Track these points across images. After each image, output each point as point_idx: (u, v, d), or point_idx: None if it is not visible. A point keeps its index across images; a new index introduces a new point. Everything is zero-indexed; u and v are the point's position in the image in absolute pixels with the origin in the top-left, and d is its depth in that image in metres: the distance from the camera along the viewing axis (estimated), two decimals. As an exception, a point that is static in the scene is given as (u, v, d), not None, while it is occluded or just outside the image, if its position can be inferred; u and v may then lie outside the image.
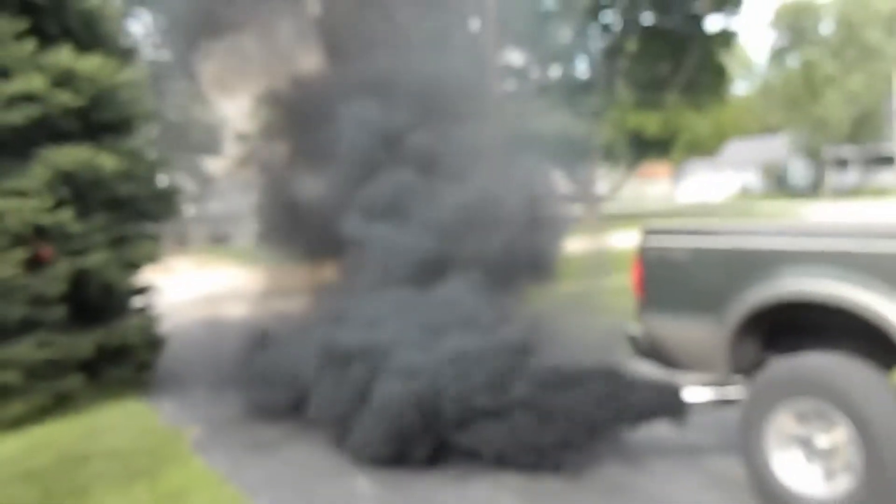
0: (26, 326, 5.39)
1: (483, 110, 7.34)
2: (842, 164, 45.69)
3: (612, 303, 5.93)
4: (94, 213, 5.89)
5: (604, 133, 27.43)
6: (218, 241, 28.43)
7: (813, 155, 43.37)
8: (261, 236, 7.37)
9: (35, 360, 5.34)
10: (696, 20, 28.89)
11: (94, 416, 5.58)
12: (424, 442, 4.14)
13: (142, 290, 6.84)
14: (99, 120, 6.10)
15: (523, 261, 5.70)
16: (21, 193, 5.38)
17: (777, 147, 48.18)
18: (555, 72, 29.39)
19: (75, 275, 5.64)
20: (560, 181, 8.27)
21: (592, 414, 3.91)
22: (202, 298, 6.62)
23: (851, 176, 45.90)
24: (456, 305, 4.89)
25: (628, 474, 3.94)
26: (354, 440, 4.29)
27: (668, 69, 29.87)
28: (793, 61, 41.37)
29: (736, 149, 49.74)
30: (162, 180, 7.27)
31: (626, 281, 4.45)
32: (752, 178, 52.86)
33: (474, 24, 9.84)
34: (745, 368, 3.65)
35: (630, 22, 29.48)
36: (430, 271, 5.38)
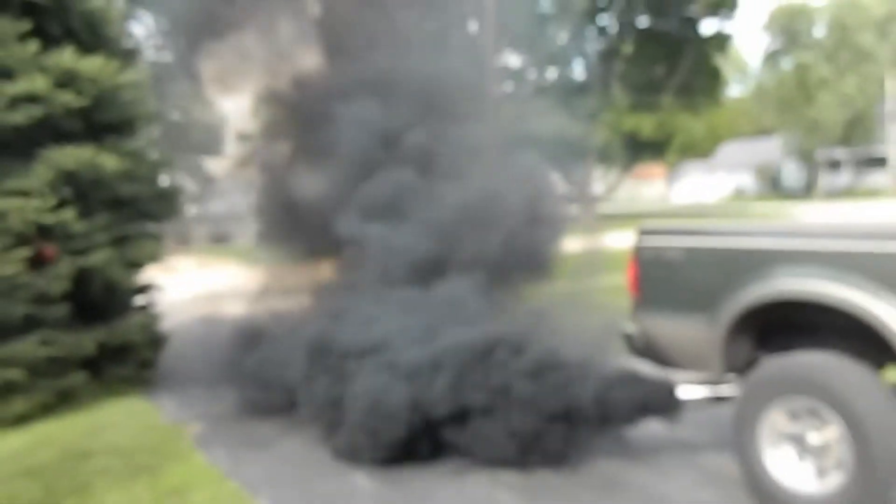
0: (29, 324, 5.38)
1: (481, 111, 7.35)
2: (834, 165, 45.78)
3: (608, 301, 5.94)
4: (97, 213, 5.89)
5: (600, 135, 27.44)
6: (219, 241, 28.41)
7: (806, 157, 43.45)
8: (261, 235, 7.37)
9: (38, 357, 5.33)
10: (692, 23, 28.92)
11: (96, 413, 5.58)
12: (416, 439, 4.13)
13: (144, 289, 6.84)
14: (101, 120, 6.09)
15: (521, 259, 5.70)
16: (24, 193, 5.37)
17: (771, 149, 48.28)
18: (552, 74, 29.42)
19: (78, 273, 5.63)
20: (557, 181, 8.27)
21: (588, 410, 3.91)
22: (202, 297, 6.61)
23: (844, 177, 46.00)
24: (453, 304, 4.89)
25: (624, 470, 3.95)
26: (342, 439, 4.29)
27: (663, 72, 29.92)
28: (786, 64, 41.44)
29: (730, 151, 49.86)
30: (164, 180, 7.26)
31: (621, 280, 4.46)
32: (745, 180, 52.96)
33: (473, 27, 9.84)
34: (739, 367, 3.65)
35: (626, 25, 29.51)
36: (428, 270, 5.38)
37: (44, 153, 5.54)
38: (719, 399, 3.85)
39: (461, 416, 4.07)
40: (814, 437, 3.13)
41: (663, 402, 3.91)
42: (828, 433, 3.07)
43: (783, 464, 3.24)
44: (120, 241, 6.07)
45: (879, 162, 43.62)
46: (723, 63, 32.13)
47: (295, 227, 6.77)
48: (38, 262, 5.43)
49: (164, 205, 6.78)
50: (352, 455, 4.23)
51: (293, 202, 6.77)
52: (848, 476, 2.97)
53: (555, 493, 3.70)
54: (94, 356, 5.87)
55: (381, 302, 5.10)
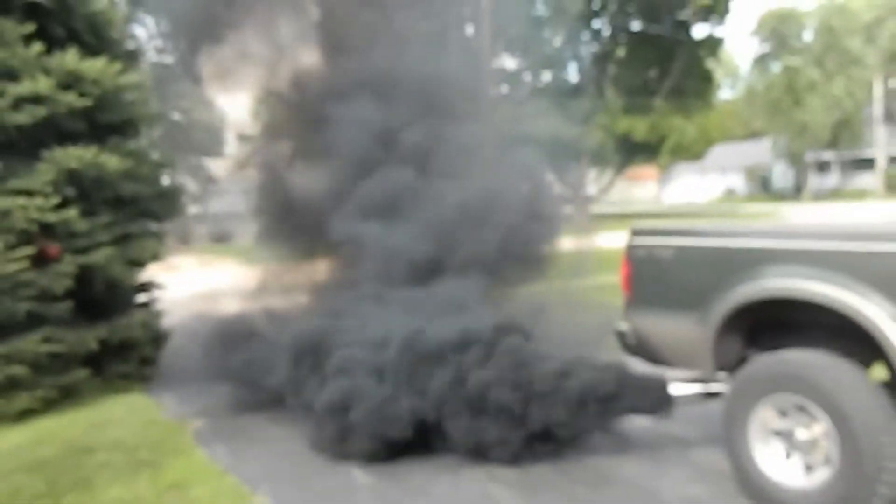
0: (33, 321, 5.37)
1: (478, 111, 7.35)
2: (823, 167, 45.90)
3: (602, 299, 5.95)
4: (99, 212, 5.87)
5: (593, 136, 27.46)
6: (220, 240, 28.35)
7: (795, 159, 43.54)
8: (260, 235, 7.36)
9: (41, 354, 5.32)
10: (684, 26, 28.97)
11: (98, 409, 5.57)
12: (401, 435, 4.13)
13: (145, 287, 6.83)
14: (104, 121, 6.07)
15: (518, 256, 5.70)
16: (28, 192, 5.36)
17: (761, 151, 48.38)
18: (546, 77, 29.45)
19: (80, 271, 5.62)
20: (552, 182, 8.28)
21: (581, 407, 3.91)
22: (202, 295, 6.60)
23: (832, 179, 46.12)
24: (448, 303, 4.88)
25: (617, 466, 3.96)
26: (325, 434, 4.29)
27: (655, 75, 29.97)
28: (775, 68, 41.51)
29: (721, 153, 49.96)
30: (165, 180, 7.25)
31: (615, 279, 4.47)
32: (736, 181, 53.08)
33: (469, 30, 9.85)
34: (729, 365, 3.66)
35: (619, 28, 29.54)
36: (426, 270, 5.38)
37: (47, 153, 5.53)
38: (710, 396, 3.86)
39: (458, 414, 4.07)
40: (802, 434, 3.14)
41: (655, 399, 3.92)
42: (816, 429, 3.08)
43: (772, 459, 3.25)
44: (122, 240, 6.06)
45: (867, 164, 43.74)
46: (714, 66, 32.20)
47: (293, 227, 6.77)
48: (41, 260, 5.42)
49: (165, 204, 6.76)
50: (327, 449, 4.24)
51: (292, 201, 6.77)
52: (835, 471, 2.98)
53: (549, 488, 3.71)
54: (96, 353, 5.85)
55: (372, 301, 5.09)
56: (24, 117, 5.36)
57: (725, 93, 54.46)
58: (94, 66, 5.77)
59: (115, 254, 5.85)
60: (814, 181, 45.10)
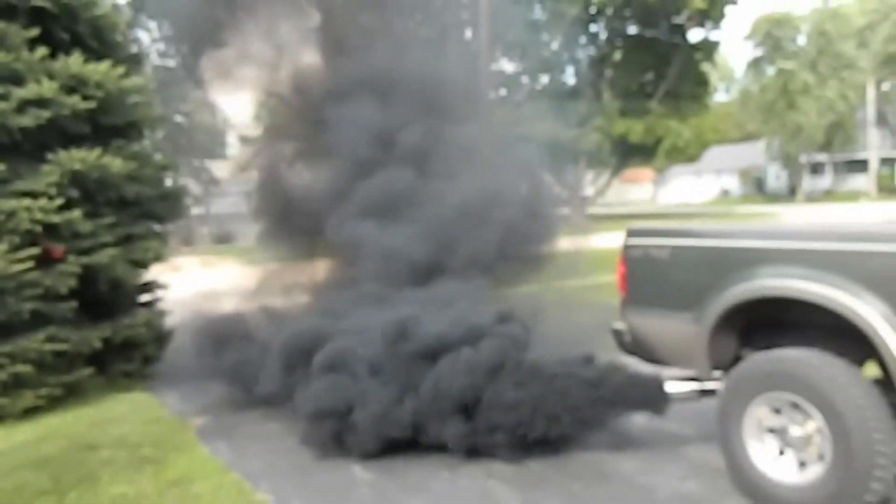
0: (37, 321, 5.37)
1: (477, 113, 7.36)
2: (816, 169, 45.95)
3: (598, 299, 5.96)
4: (103, 213, 5.87)
5: (590, 139, 27.48)
6: (222, 241, 28.33)
7: (789, 161, 43.58)
8: (261, 235, 7.37)
9: (45, 353, 5.32)
10: (680, 30, 28.99)
11: (102, 406, 5.57)
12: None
13: (149, 287, 6.83)
14: (107, 123, 6.08)
15: (514, 256, 5.70)
16: (32, 194, 5.36)
17: (755, 153, 48.42)
18: (544, 80, 29.46)
19: (84, 272, 5.62)
20: (550, 182, 8.29)
21: (579, 404, 3.92)
22: (204, 295, 6.60)
23: (825, 181, 46.18)
24: (447, 300, 4.87)
25: (613, 462, 3.96)
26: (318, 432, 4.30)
27: (651, 78, 29.99)
28: (770, 71, 41.54)
29: (716, 155, 50.00)
30: (168, 182, 7.25)
31: (611, 278, 4.47)
32: (731, 183, 53.13)
33: (468, 34, 9.86)
34: (724, 363, 3.66)
35: (615, 32, 29.56)
36: (424, 269, 5.38)
37: (51, 155, 5.53)
38: (705, 394, 3.87)
39: (453, 414, 4.06)
40: (796, 431, 3.14)
41: (651, 397, 3.92)
42: (809, 427, 3.08)
43: (766, 456, 3.26)
44: (125, 241, 6.06)
45: (859, 165, 43.80)
46: (710, 70, 32.23)
47: (294, 227, 6.77)
48: (45, 261, 5.42)
49: (168, 205, 6.77)
50: (317, 447, 4.26)
51: (292, 202, 6.78)
52: (828, 467, 2.98)
53: (546, 484, 3.71)
54: (100, 352, 5.86)
55: (370, 301, 5.08)
56: (28, 120, 5.37)
57: (720, 96, 54.55)
58: (98, 70, 5.78)
59: (118, 254, 5.85)
60: (807, 183, 45.15)
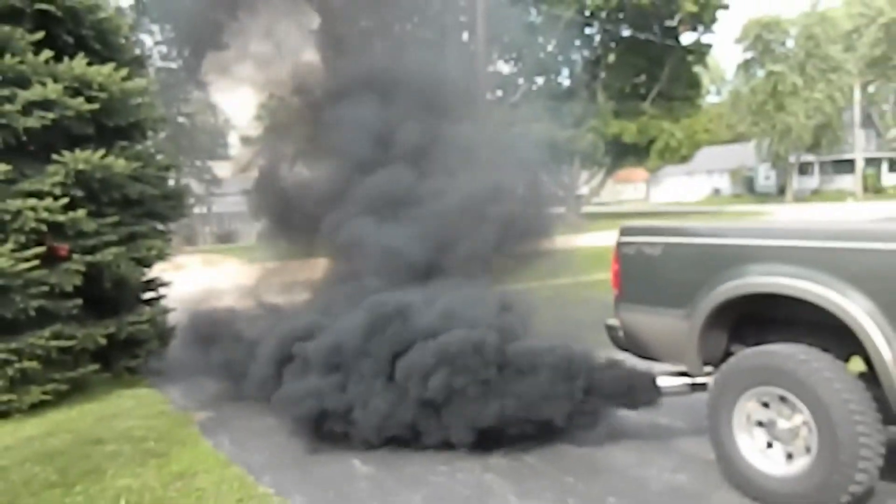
0: (43, 318, 5.38)
1: (474, 113, 7.37)
2: (804, 169, 46.04)
3: (593, 295, 5.97)
4: (107, 212, 5.88)
5: (585, 139, 27.49)
6: (224, 240, 28.28)
7: (778, 161, 43.65)
8: (262, 234, 7.37)
9: (51, 349, 5.33)
10: (673, 33, 29.01)
11: (107, 402, 5.57)
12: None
13: (152, 285, 6.83)
14: (111, 125, 6.07)
15: (510, 251, 5.70)
16: (38, 194, 5.36)
17: (745, 153, 48.48)
18: (540, 81, 29.46)
19: (89, 270, 5.62)
20: (546, 181, 8.30)
21: (572, 398, 3.93)
22: (205, 292, 6.59)
23: (813, 180, 46.29)
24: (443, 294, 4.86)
25: (606, 455, 3.97)
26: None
27: (644, 79, 30.00)
28: (760, 74, 41.59)
29: (708, 155, 50.09)
30: (171, 181, 7.25)
31: (605, 275, 4.48)
32: (722, 183, 53.22)
33: (466, 37, 9.87)
34: (714, 359, 3.68)
35: (610, 34, 29.56)
36: (423, 266, 5.37)
37: (56, 156, 5.53)
38: (696, 388, 3.88)
39: (449, 402, 4.05)
40: (783, 424, 3.16)
41: (644, 391, 3.94)
42: (796, 420, 3.10)
43: (755, 448, 3.28)
44: (129, 239, 6.07)
45: (846, 165, 43.92)
46: (701, 72, 32.27)
47: (294, 226, 6.77)
48: (51, 259, 5.42)
49: (171, 205, 6.77)
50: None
51: (292, 201, 6.77)
52: (814, 459, 3.00)
53: (540, 477, 3.72)
54: (104, 348, 5.86)
55: (360, 297, 5.07)
56: (33, 121, 5.37)
57: (712, 97, 54.63)
58: (102, 72, 5.78)
59: (122, 253, 5.85)
60: (796, 182, 45.24)
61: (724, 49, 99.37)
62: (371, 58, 6.69)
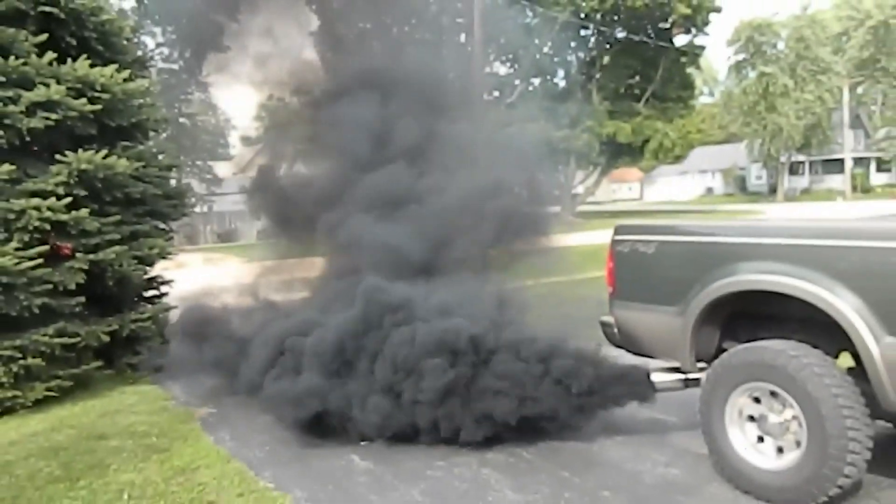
0: (47, 316, 5.36)
1: (471, 112, 7.37)
2: (795, 168, 46.13)
3: (588, 293, 5.97)
4: (109, 211, 5.87)
5: (580, 139, 27.50)
6: (225, 239, 28.22)
7: (769, 160, 43.72)
8: (262, 233, 7.37)
9: (55, 346, 5.32)
10: (666, 35, 29.00)
11: (110, 398, 5.56)
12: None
13: (154, 283, 6.81)
14: (113, 125, 6.06)
15: (507, 248, 5.71)
16: (41, 193, 5.35)
17: (737, 153, 48.55)
18: (535, 82, 29.43)
19: (92, 268, 5.61)
20: (542, 181, 8.31)
21: (568, 394, 3.94)
22: (206, 290, 6.59)
23: (804, 180, 46.37)
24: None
25: (601, 450, 3.98)
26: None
27: (639, 80, 30.00)
28: (751, 75, 41.64)
29: (700, 155, 50.19)
30: (172, 181, 7.23)
31: (600, 273, 4.48)
32: (714, 182, 53.28)
33: (463, 38, 9.86)
34: (707, 355, 3.68)
35: (604, 35, 29.55)
36: (421, 263, 5.37)
37: (60, 156, 5.52)
38: (689, 384, 3.89)
39: (445, 398, 4.04)
40: (774, 418, 3.17)
41: (638, 387, 3.95)
42: (786, 414, 3.11)
43: (746, 442, 3.29)
44: (131, 238, 6.06)
45: (835, 165, 44.01)
46: (694, 73, 32.27)
47: (293, 224, 6.77)
48: (54, 258, 5.41)
49: (172, 204, 6.76)
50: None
51: (291, 199, 6.76)
52: (804, 453, 3.01)
53: (537, 471, 3.73)
54: (107, 345, 5.85)
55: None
56: (37, 122, 5.35)
57: (704, 98, 54.64)
58: (104, 74, 5.77)
59: (124, 251, 5.84)
60: (787, 181, 45.32)
61: (717, 51, 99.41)
62: (370, 58, 6.68)
